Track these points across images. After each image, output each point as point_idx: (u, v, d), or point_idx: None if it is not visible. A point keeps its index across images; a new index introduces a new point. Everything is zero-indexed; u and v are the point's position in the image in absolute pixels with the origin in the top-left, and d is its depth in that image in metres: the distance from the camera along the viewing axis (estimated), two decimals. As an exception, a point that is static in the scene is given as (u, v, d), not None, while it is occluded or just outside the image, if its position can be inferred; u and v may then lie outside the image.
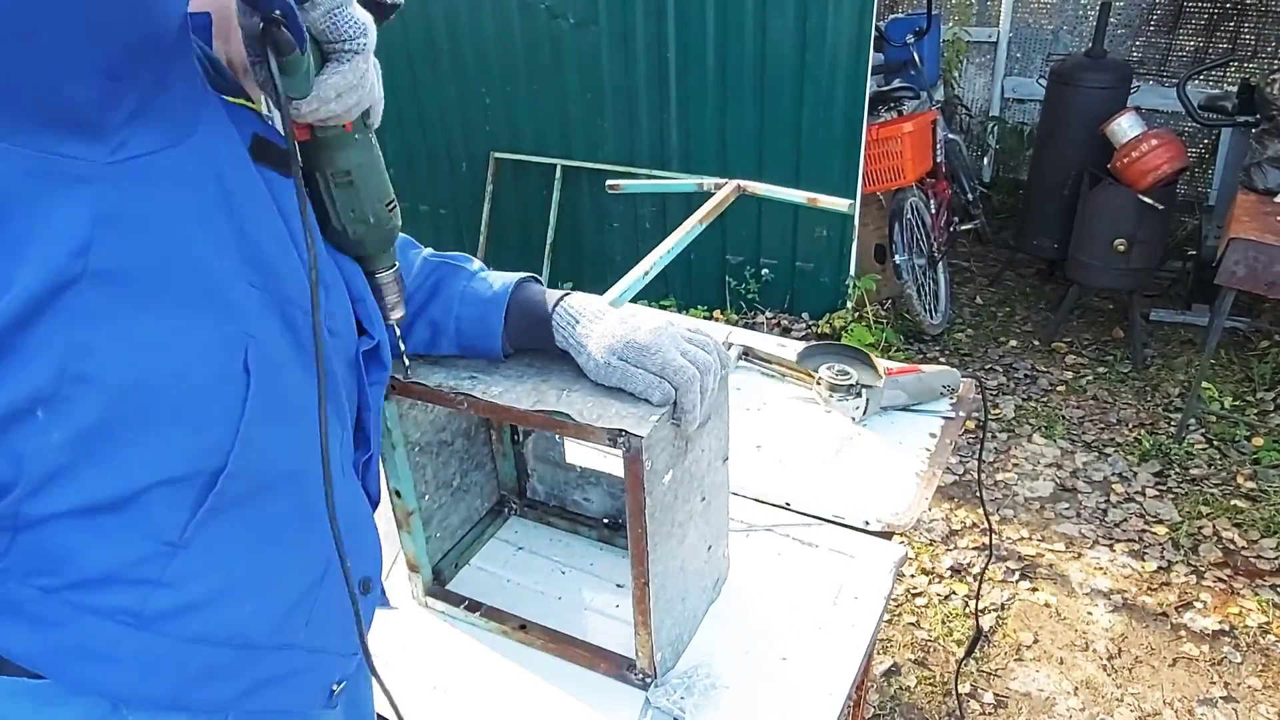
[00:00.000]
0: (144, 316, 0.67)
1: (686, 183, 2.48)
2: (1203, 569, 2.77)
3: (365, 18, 0.76)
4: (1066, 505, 3.08)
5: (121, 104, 0.63)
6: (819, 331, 4.03)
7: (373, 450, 0.95)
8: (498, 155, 4.39)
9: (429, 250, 1.13)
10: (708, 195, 2.16)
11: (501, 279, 1.09)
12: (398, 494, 1.23)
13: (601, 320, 1.04)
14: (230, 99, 0.77)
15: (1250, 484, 3.11)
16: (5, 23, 0.53)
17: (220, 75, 0.79)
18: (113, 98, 0.62)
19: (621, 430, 0.96)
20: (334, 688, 0.89)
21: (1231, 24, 4.80)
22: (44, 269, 0.62)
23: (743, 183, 2.13)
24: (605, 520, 1.45)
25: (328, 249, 0.87)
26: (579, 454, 1.46)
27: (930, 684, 2.42)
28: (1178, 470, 3.22)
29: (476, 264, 1.13)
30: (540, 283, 1.12)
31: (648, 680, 1.17)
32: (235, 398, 0.72)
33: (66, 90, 0.59)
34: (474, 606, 1.30)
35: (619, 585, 1.36)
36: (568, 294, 1.09)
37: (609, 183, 2.31)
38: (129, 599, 0.71)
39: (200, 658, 0.75)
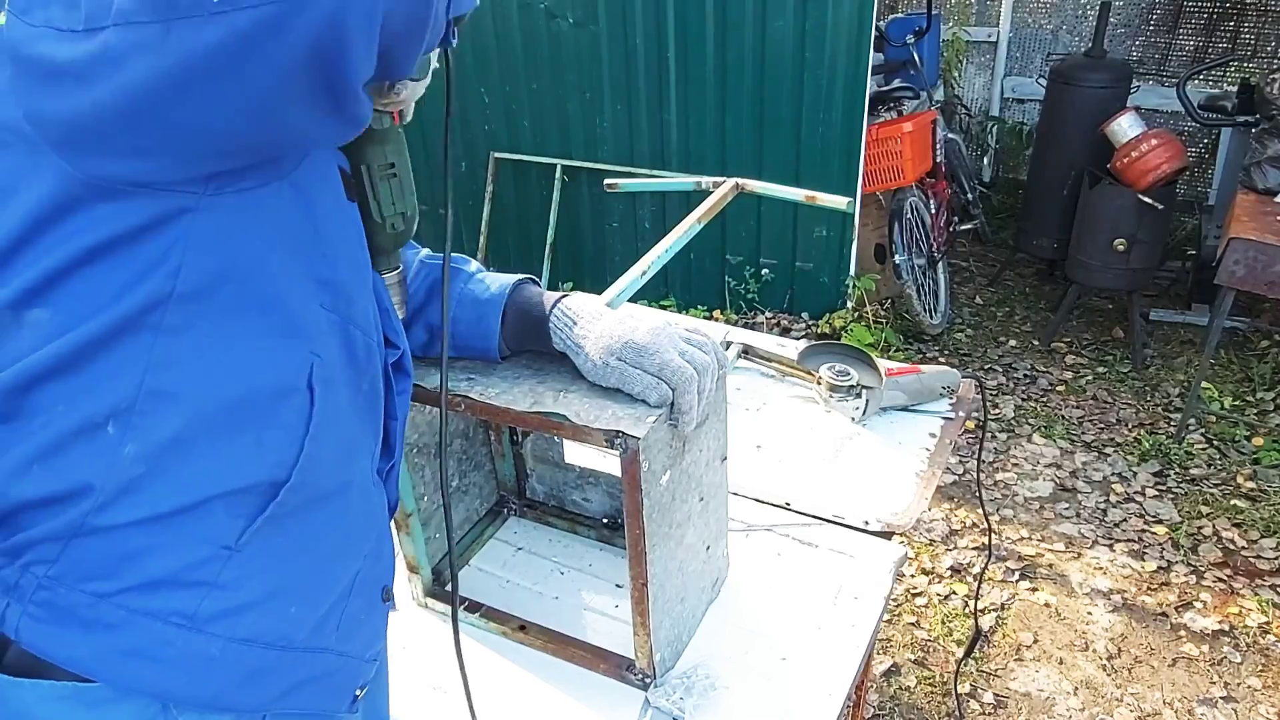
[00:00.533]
0: (223, 335, 0.69)
1: (685, 181, 2.47)
2: (1202, 569, 2.77)
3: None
4: (1066, 505, 3.08)
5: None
6: (819, 331, 4.03)
7: (396, 458, 0.97)
8: (497, 155, 4.38)
9: (426, 251, 1.13)
10: (706, 194, 2.15)
11: (499, 280, 1.09)
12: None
13: (599, 321, 1.04)
14: None
15: (1250, 484, 3.11)
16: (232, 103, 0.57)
17: None
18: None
19: (619, 431, 0.96)
20: (357, 692, 0.91)
21: (1231, 24, 4.80)
22: (137, 292, 0.65)
23: (741, 181, 2.12)
24: (604, 520, 1.45)
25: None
26: (578, 454, 1.46)
27: (930, 684, 2.41)
28: (1177, 470, 3.22)
29: (474, 265, 1.12)
30: (538, 284, 1.12)
31: (647, 680, 1.17)
32: (300, 414, 0.75)
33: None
34: (474, 607, 1.30)
35: (618, 585, 1.36)
36: (565, 295, 1.08)
37: (607, 182, 2.31)
38: (184, 601, 0.72)
39: (247, 659, 0.76)
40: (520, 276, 1.11)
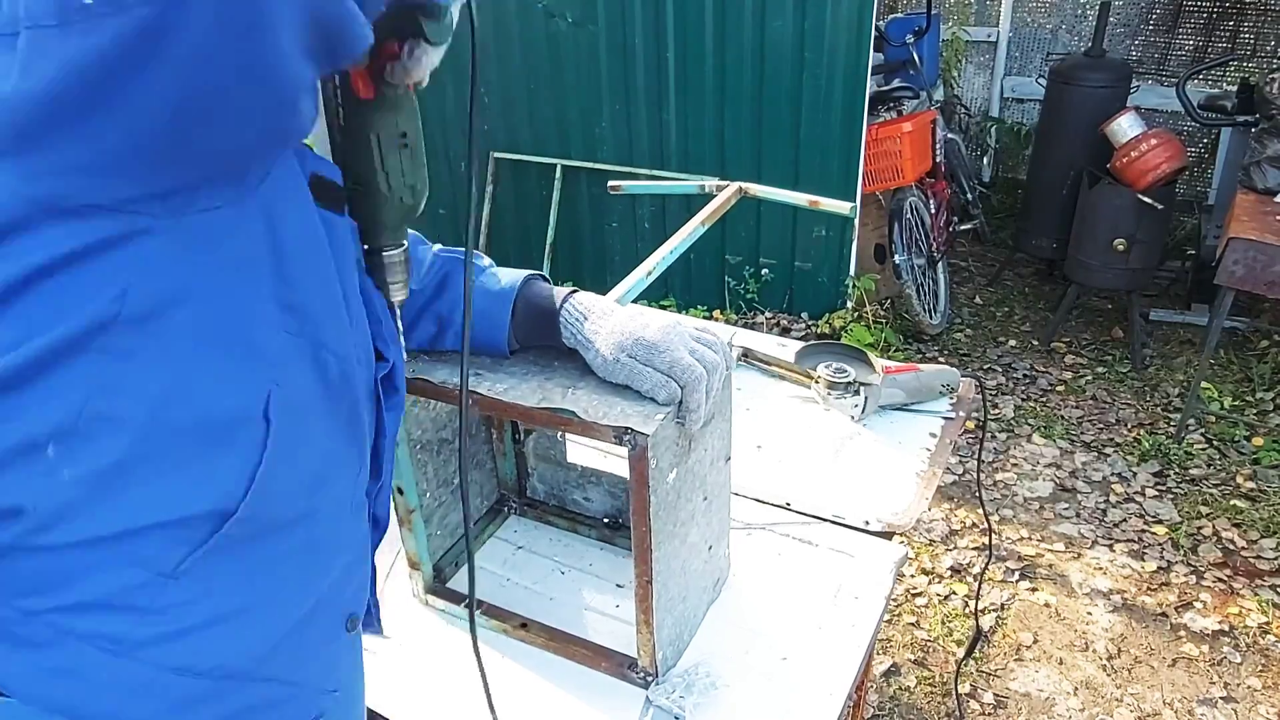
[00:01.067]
0: (173, 361, 0.67)
1: (688, 184, 2.47)
2: (1202, 569, 2.77)
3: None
4: (1066, 505, 3.08)
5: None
6: (818, 331, 4.03)
7: (384, 479, 0.94)
8: (497, 155, 4.38)
9: (439, 246, 1.13)
10: (708, 196, 2.15)
11: (509, 275, 1.09)
12: (399, 491, 1.23)
13: (610, 317, 1.04)
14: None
15: (1250, 484, 3.11)
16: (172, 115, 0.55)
17: None
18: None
19: (628, 428, 0.96)
20: None
21: (1231, 24, 4.80)
22: (82, 313, 0.62)
23: (745, 185, 2.12)
24: (605, 520, 1.45)
25: (359, 277, 0.86)
26: (579, 453, 1.46)
27: (930, 684, 2.41)
28: (1177, 470, 3.22)
29: (486, 260, 1.13)
30: (548, 280, 1.12)
31: (649, 679, 1.17)
32: (254, 445, 0.72)
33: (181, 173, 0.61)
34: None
35: (619, 585, 1.36)
36: (575, 291, 1.08)
37: (610, 184, 2.31)
38: (115, 625, 0.70)
39: (180, 687, 0.74)
40: (530, 272, 1.11)
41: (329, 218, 0.77)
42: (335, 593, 0.87)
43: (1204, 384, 3.51)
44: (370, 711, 1.08)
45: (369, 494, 0.92)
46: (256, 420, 0.72)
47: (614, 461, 1.46)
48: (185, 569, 0.71)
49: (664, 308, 4.16)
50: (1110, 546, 2.88)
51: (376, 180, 0.82)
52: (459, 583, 1.37)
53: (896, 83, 4.12)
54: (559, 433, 1.42)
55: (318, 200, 0.76)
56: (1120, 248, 3.70)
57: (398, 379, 0.92)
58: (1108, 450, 3.35)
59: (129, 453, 0.67)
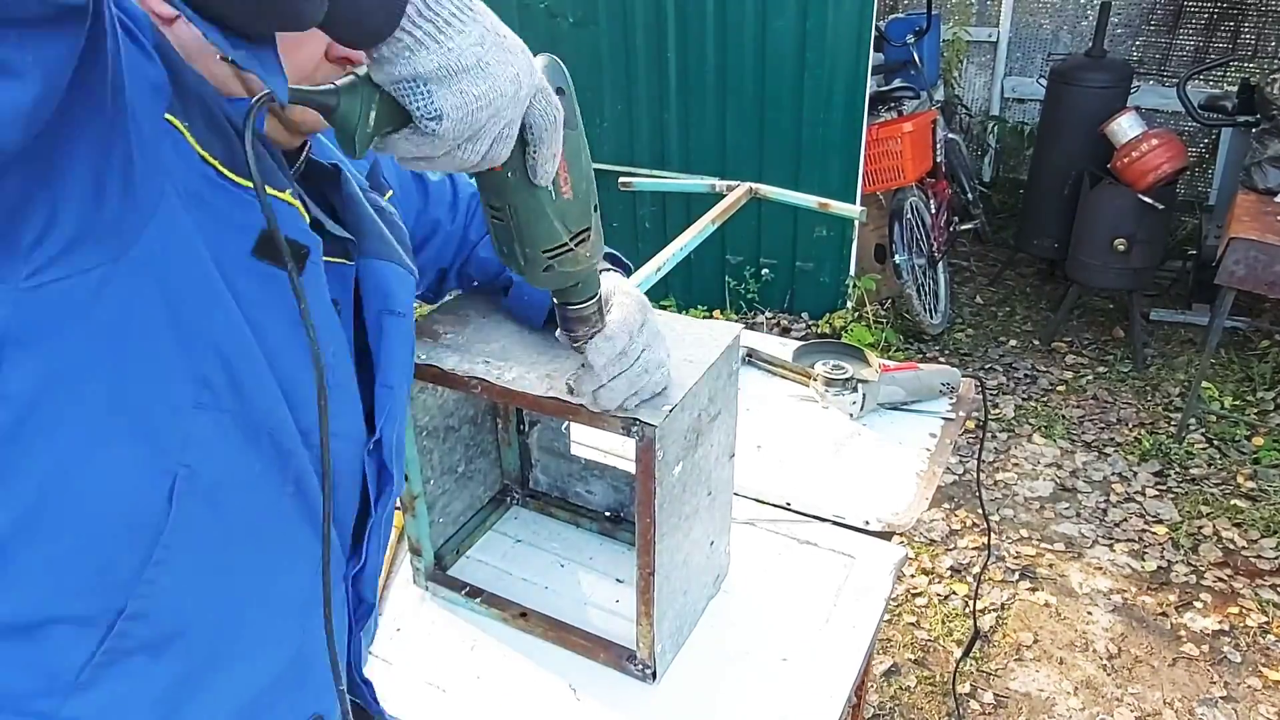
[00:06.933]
0: (54, 443, 0.61)
1: (698, 183, 2.47)
2: (1203, 569, 2.77)
3: (452, 106, 0.62)
4: (1066, 505, 3.08)
5: (34, 224, 0.55)
6: (819, 331, 4.03)
7: (366, 559, 0.86)
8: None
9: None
10: (714, 196, 2.15)
11: None
12: (405, 477, 1.24)
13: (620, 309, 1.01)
14: (241, 182, 0.67)
15: (1250, 484, 3.11)
16: None
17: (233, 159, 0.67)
18: (23, 217, 0.54)
19: (635, 419, 0.97)
20: None
21: (1231, 24, 4.80)
22: None
23: (755, 185, 2.13)
24: (607, 514, 1.45)
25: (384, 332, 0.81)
26: (583, 447, 1.47)
27: (930, 684, 2.41)
28: (1178, 470, 3.22)
29: None
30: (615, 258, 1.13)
31: (648, 670, 1.17)
32: (148, 536, 0.65)
33: None
34: (475, 593, 1.31)
35: (619, 580, 1.36)
36: (609, 269, 1.06)
37: (621, 180, 2.31)
38: None
39: None
40: None
41: (269, 273, 0.68)
42: (289, 697, 0.80)
43: (1205, 384, 3.51)
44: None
45: (346, 577, 0.84)
46: (156, 508, 0.65)
47: (617, 456, 1.46)
48: (88, 679, 0.66)
49: (664, 307, 4.16)
50: (1110, 546, 2.88)
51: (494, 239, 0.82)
52: (460, 570, 1.38)
53: (897, 83, 4.12)
54: (564, 424, 1.42)
55: (264, 255, 0.67)
56: (1121, 248, 3.70)
57: (386, 454, 0.84)
58: (1108, 450, 3.35)
59: (10, 537, 0.62)
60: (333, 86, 0.63)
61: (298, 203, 0.72)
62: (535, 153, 0.71)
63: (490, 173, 0.73)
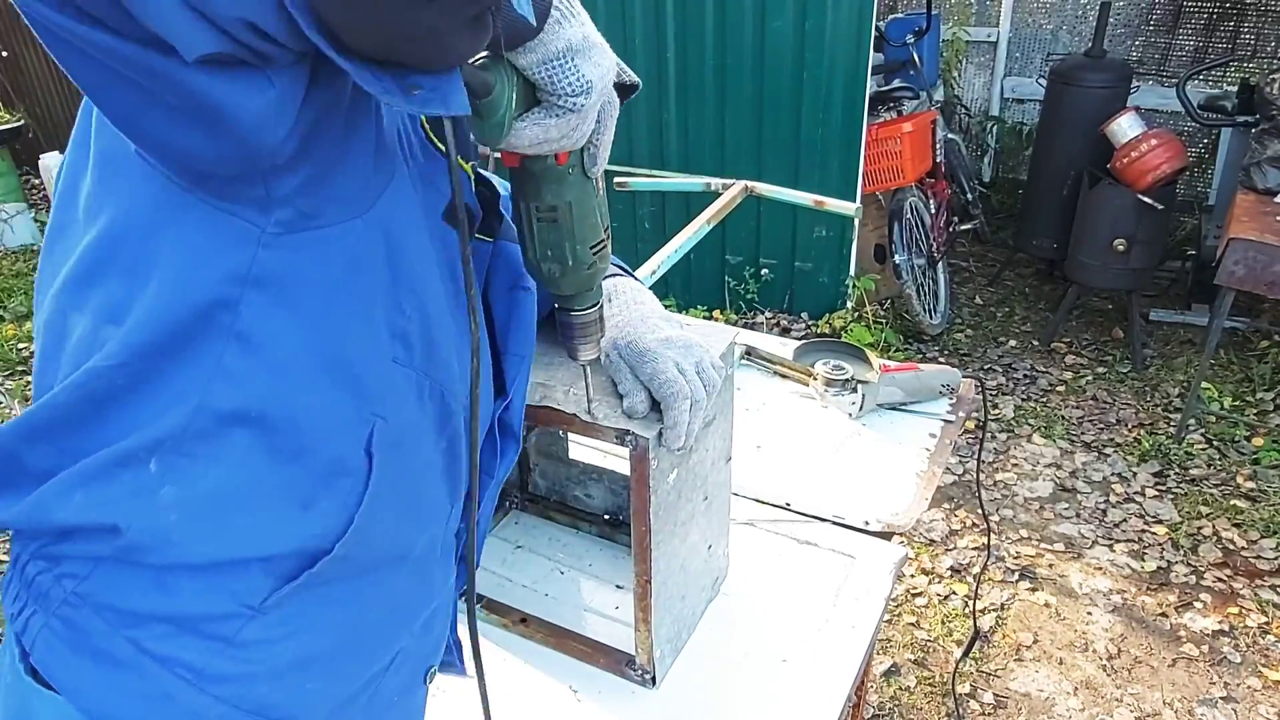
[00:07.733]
0: (275, 384, 0.64)
1: (694, 182, 2.46)
2: (1202, 569, 2.77)
3: (596, 77, 0.66)
4: (1066, 505, 3.08)
5: (287, 178, 0.59)
6: (818, 331, 4.03)
7: (481, 522, 0.89)
8: (497, 155, 4.38)
9: None
10: (710, 195, 2.15)
11: None
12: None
13: (630, 308, 1.02)
14: (441, 148, 0.70)
15: (1250, 484, 3.11)
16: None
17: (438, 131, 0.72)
18: (276, 172, 0.58)
19: (628, 430, 0.96)
20: None
21: (1231, 24, 4.80)
22: (192, 308, 0.60)
23: (750, 184, 2.13)
24: (606, 516, 1.45)
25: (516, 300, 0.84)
26: (581, 450, 1.46)
27: (930, 684, 2.41)
28: (1177, 470, 3.22)
29: None
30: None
31: (646, 675, 1.17)
32: (356, 483, 0.69)
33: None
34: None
35: (618, 586, 1.36)
36: (617, 274, 1.06)
37: (617, 180, 2.31)
38: (195, 654, 0.68)
39: None
40: None
41: (451, 236, 0.72)
42: (417, 643, 0.83)
43: (1204, 384, 3.50)
44: None
45: (457, 535, 0.87)
46: (359, 456, 0.68)
47: (615, 459, 1.46)
48: (272, 604, 0.69)
49: (664, 307, 4.15)
50: (1110, 547, 2.88)
51: (527, 248, 0.79)
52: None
53: (896, 83, 4.12)
54: (560, 430, 1.42)
55: (450, 221, 0.72)
56: (1120, 248, 3.70)
57: (512, 421, 0.88)
58: (1108, 450, 3.35)
59: (229, 479, 0.65)
60: (474, 68, 0.63)
61: (470, 170, 0.78)
62: (599, 139, 0.74)
63: (554, 168, 0.74)
